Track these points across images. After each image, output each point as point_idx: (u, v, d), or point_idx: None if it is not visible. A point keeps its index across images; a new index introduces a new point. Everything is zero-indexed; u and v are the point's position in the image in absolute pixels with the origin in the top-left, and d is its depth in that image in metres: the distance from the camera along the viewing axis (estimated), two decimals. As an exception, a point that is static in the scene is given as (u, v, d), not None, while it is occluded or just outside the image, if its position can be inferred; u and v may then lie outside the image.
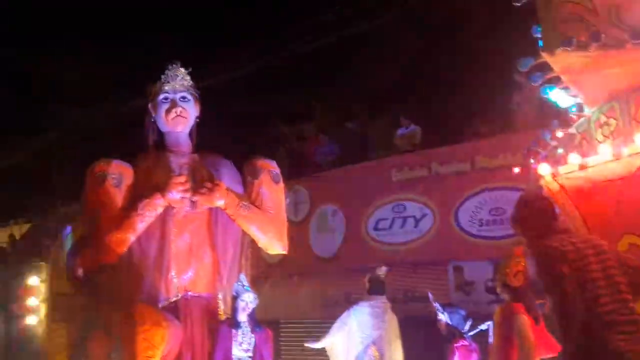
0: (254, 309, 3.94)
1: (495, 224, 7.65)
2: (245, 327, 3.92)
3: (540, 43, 4.05)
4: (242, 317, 3.90)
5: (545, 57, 3.99)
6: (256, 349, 3.94)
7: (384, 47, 11.21)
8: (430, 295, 6.29)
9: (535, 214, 3.57)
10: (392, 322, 6.38)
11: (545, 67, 4.17)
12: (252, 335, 3.96)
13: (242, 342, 3.90)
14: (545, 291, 3.49)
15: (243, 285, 3.95)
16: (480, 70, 8.34)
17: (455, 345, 5.92)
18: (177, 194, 3.76)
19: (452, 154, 8.18)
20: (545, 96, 4.57)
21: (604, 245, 3.39)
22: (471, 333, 6.02)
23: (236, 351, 3.86)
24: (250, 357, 3.94)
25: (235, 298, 3.91)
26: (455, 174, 8.09)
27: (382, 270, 6.54)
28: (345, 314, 6.39)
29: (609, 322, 3.22)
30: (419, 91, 10.24)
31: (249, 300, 3.92)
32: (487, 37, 8.29)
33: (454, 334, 5.98)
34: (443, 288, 7.54)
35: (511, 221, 3.72)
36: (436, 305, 6.12)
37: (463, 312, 6.16)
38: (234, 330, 3.88)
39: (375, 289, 6.44)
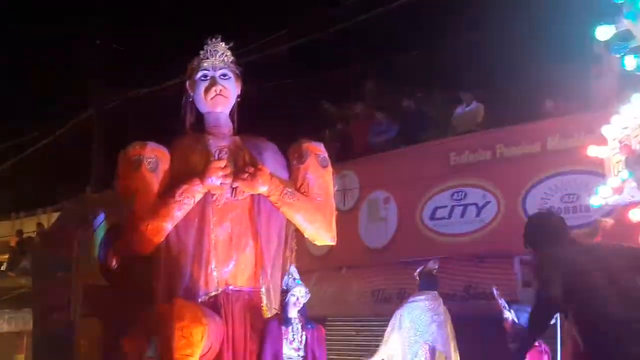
0: (305, 305, 3.95)
1: (568, 212, 7.51)
2: (296, 324, 3.94)
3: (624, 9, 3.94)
4: (293, 312, 3.92)
5: (627, 24, 3.88)
6: (308, 348, 3.96)
7: (441, 16, 11.08)
8: (495, 291, 6.22)
9: (540, 227, 3.95)
10: (447, 320, 6.37)
11: (627, 36, 4.05)
12: (304, 332, 3.98)
13: (292, 340, 3.92)
14: (536, 294, 3.86)
15: (294, 279, 3.97)
16: (551, 40, 8.17)
17: None
18: (216, 180, 3.79)
19: (520, 135, 8.05)
20: (626, 69, 4.44)
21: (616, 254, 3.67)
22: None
23: (286, 350, 3.89)
24: (301, 356, 3.97)
25: (285, 292, 3.93)
26: (522, 156, 7.95)
27: (433, 264, 6.55)
28: (395, 314, 6.42)
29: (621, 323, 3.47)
30: (481, 64, 10.10)
31: (300, 295, 3.93)
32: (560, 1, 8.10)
33: (522, 332, 5.92)
34: (509, 284, 7.44)
35: (523, 239, 3.99)
36: (502, 302, 6.06)
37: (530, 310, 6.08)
38: (283, 327, 3.90)
39: (427, 283, 6.45)
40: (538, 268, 3.91)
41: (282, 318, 3.92)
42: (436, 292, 6.44)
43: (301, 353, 3.97)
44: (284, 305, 3.93)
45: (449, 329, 6.38)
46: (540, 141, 7.79)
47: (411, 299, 6.45)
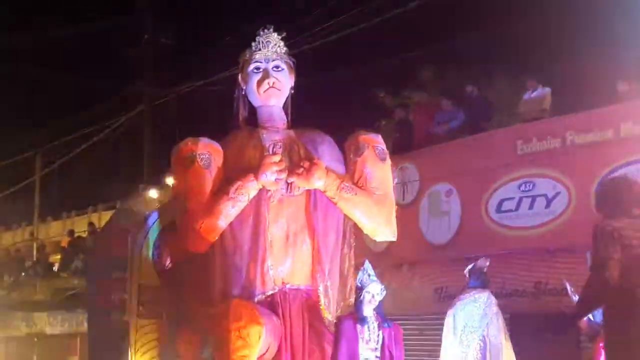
0: (381, 302, 3.94)
1: (645, 202, 7.36)
2: (372, 323, 3.94)
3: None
4: (368, 311, 3.92)
5: None
6: (384, 347, 3.96)
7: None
8: (568, 286, 6.16)
9: (613, 192, 4.01)
10: (499, 319, 6.40)
11: None
12: (380, 331, 3.97)
13: (369, 340, 3.92)
14: (590, 268, 3.92)
15: (369, 275, 3.96)
16: (622, 17, 7.98)
17: (601, 345, 5.81)
18: (271, 176, 3.83)
19: (591, 121, 7.91)
20: None
21: None
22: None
23: (362, 349, 3.90)
24: (378, 356, 3.97)
25: (359, 289, 3.93)
26: (594, 144, 7.82)
27: (484, 262, 6.58)
28: (447, 316, 6.47)
29: None
30: (546, 47, 9.94)
31: (375, 292, 3.93)
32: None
33: (598, 332, 5.86)
34: (583, 279, 7.31)
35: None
36: (576, 299, 6.00)
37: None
38: (359, 326, 3.90)
39: (477, 281, 6.50)
40: (594, 240, 3.85)
41: (357, 317, 3.92)
42: (487, 291, 6.48)
43: (377, 353, 3.97)
44: (358, 304, 3.93)
45: (501, 322, 6.40)
46: (613, 127, 7.65)
47: (461, 297, 6.48)
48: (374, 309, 3.96)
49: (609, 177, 4.17)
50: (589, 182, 7.69)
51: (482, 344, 6.32)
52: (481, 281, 6.56)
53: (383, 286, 3.99)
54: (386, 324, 3.99)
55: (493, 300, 6.47)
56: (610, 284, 3.71)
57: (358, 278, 3.94)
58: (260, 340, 3.54)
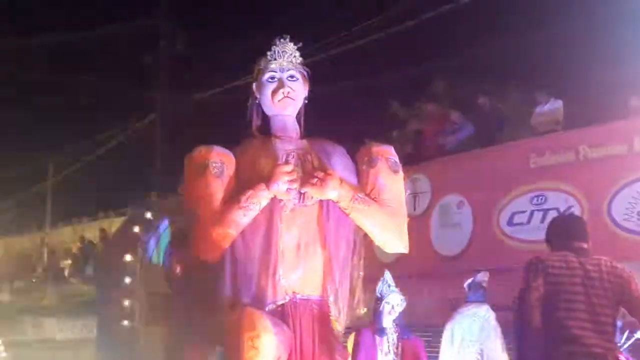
0: (401, 313, 3.90)
1: (658, 218, 7.34)
2: (392, 334, 3.91)
3: None
4: (388, 322, 3.89)
5: None
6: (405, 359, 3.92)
7: (518, 8, 10.93)
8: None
9: (559, 227, 4.78)
10: (498, 333, 6.41)
11: None
12: (400, 343, 3.94)
13: (388, 352, 3.89)
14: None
15: (388, 285, 3.93)
16: (636, 30, 7.97)
17: None
18: (282, 185, 3.81)
19: (605, 135, 7.90)
20: None
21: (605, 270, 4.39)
22: (626, 345, 5.90)
23: None
24: None
25: (379, 300, 3.90)
26: (608, 158, 7.81)
27: (483, 276, 6.61)
28: (445, 329, 6.48)
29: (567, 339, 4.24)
30: (559, 60, 9.93)
31: (395, 303, 3.90)
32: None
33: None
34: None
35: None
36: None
37: (619, 324, 5.99)
38: (378, 337, 3.88)
39: (475, 295, 6.52)
40: (524, 268, 4.55)
41: (376, 328, 3.88)
42: (486, 304, 6.50)
43: None
44: (377, 314, 3.90)
45: (499, 336, 6.42)
46: (627, 142, 7.62)
47: (460, 310, 6.50)
48: (394, 320, 3.93)
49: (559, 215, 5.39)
50: (602, 196, 7.68)
51: (479, 358, 6.33)
52: (480, 295, 6.59)
53: (403, 297, 3.96)
54: (406, 336, 3.96)
55: (492, 314, 6.49)
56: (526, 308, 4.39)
57: (378, 288, 3.92)
58: (273, 350, 3.53)
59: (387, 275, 3.93)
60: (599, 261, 4.57)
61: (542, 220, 8.23)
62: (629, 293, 4.48)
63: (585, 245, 4.67)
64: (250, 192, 3.80)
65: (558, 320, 4.38)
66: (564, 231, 4.76)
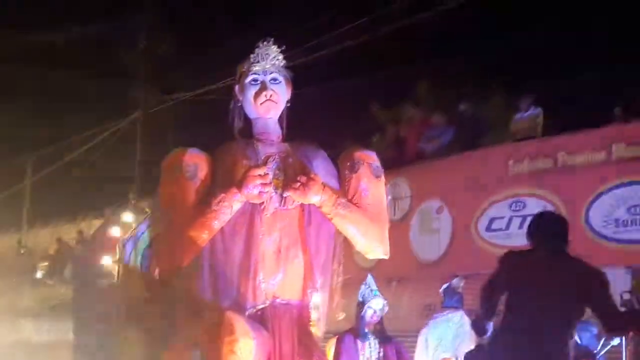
0: (382, 318, 3.89)
1: (635, 225, 7.40)
2: (373, 339, 3.89)
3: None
4: (370, 327, 3.86)
5: None
6: None
7: (498, 14, 10.99)
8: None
9: (538, 225, 4.84)
10: (472, 340, 6.43)
11: None
12: (381, 348, 3.93)
13: (369, 357, 3.87)
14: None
15: (371, 289, 3.91)
16: (619, 37, 8.03)
17: None
18: (254, 188, 3.77)
19: (583, 142, 7.95)
20: None
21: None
22: (603, 352, 5.93)
23: None
24: None
25: (361, 304, 3.88)
26: (586, 165, 7.86)
27: (458, 282, 6.64)
28: (420, 335, 6.49)
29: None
30: (541, 67, 9.99)
31: (377, 308, 3.88)
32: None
33: (585, 355, 5.86)
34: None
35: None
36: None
37: (595, 330, 6.02)
38: (359, 342, 3.85)
39: (451, 301, 6.55)
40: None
41: (358, 332, 3.86)
42: (461, 310, 6.52)
43: None
44: (359, 319, 3.88)
45: (474, 342, 6.43)
46: (605, 149, 7.67)
47: (435, 316, 6.52)
48: (376, 325, 3.92)
49: (542, 212, 5.37)
50: (580, 203, 7.73)
51: None
52: (455, 300, 6.62)
53: (386, 301, 3.94)
54: (387, 340, 3.95)
55: (466, 320, 6.50)
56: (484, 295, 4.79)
57: (360, 292, 3.91)
58: (252, 354, 3.51)
59: (370, 279, 3.91)
60: (566, 257, 4.64)
61: (521, 226, 8.26)
62: (595, 292, 4.47)
63: (563, 245, 4.72)
64: (221, 196, 3.77)
65: (516, 312, 4.50)
66: (544, 229, 4.79)
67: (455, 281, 6.70)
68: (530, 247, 4.80)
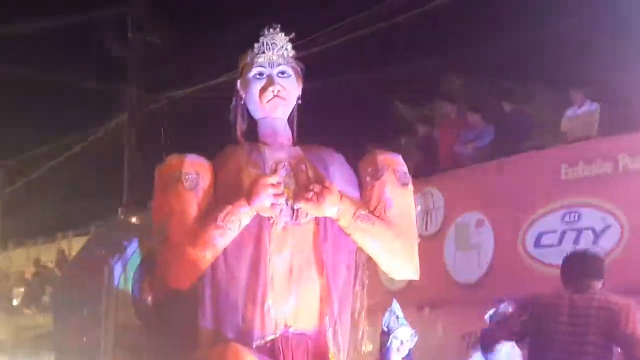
0: (411, 350, 3.91)
1: None
2: None
3: None
4: (396, 359, 3.89)
5: None
6: None
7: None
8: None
9: (573, 265, 5.42)
10: None
11: None
12: None
13: None
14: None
15: (397, 317, 3.93)
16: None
17: None
18: (266, 200, 3.77)
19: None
20: None
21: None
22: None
23: None
24: None
25: (386, 335, 3.90)
26: (652, 169, 7.84)
27: (507, 307, 6.66)
28: None
29: None
30: (596, 55, 9.97)
31: (404, 338, 3.90)
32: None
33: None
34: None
35: None
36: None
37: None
38: None
39: None
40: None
41: None
42: (512, 341, 6.55)
43: None
44: (384, 351, 3.91)
45: None
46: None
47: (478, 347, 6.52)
48: (403, 358, 3.94)
49: (573, 251, 6.17)
50: (644, 213, 7.69)
51: None
52: None
53: (414, 331, 3.95)
54: None
55: (517, 351, 6.49)
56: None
57: (384, 321, 3.92)
58: (259, 393, 3.53)
59: (395, 305, 3.91)
60: (592, 296, 5.07)
61: (576, 240, 8.26)
62: (619, 328, 4.90)
63: (596, 283, 5.22)
64: (228, 209, 3.76)
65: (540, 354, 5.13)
66: (578, 270, 5.31)
67: (503, 306, 6.70)
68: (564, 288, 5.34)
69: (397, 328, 3.88)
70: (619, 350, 5.03)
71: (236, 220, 3.75)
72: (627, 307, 4.96)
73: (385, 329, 3.89)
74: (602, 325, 4.90)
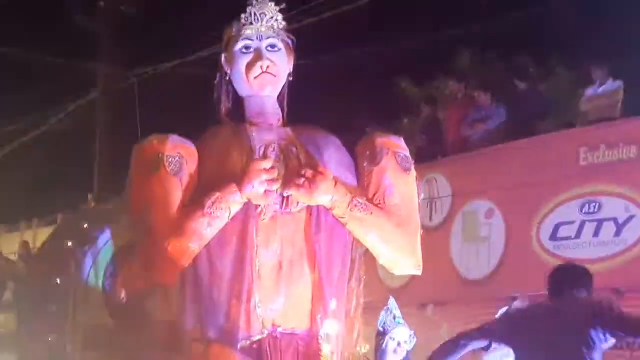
0: (409, 352, 3.95)
1: None
2: None
3: None
4: None
5: None
6: None
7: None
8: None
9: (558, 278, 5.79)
10: None
11: None
12: None
13: None
14: None
15: (394, 317, 3.96)
16: None
17: None
18: (259, 186, 3.79)
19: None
20: None
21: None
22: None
23: None
24: None
25: (381, 335, 3.93)
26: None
27: (519, 304, 6.70)
28: None
29: None
30: (617, 29, 10.00)
31: (402, 339, 3.94)
32: None
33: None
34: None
35: None
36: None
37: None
38: None
39: None
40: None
41: None
42: None
43: None
44: (380, 353, 3.94)
45: None
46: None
47: (489, 349, 6.56)
48: None
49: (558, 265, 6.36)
50: (672, 202, 7.73)
51: None
52: None
53: (412, 331, 3.98)
54: None
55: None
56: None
57: (380, 320, 3.94)
58: (243, 399, 3.56)
59: (392, 302, 3.92)
60: (576, 300, 5.48)
61: (596, 233, 8.29)
62: (604, 314, 5.23)
63: (583, 294, 5.55)
64: (217, 195, 3.78)
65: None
66: (564, 282, 5.68)
67: (516, 303, 6.75)
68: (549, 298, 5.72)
69: (394, 328, 3.90)
70: (611, 337, 5.25)
71: (225, 208, 3.76)
72: (607, 297, 5.38)
73: (381, 329, 3.91)
74: (581, 319, 5.25)
